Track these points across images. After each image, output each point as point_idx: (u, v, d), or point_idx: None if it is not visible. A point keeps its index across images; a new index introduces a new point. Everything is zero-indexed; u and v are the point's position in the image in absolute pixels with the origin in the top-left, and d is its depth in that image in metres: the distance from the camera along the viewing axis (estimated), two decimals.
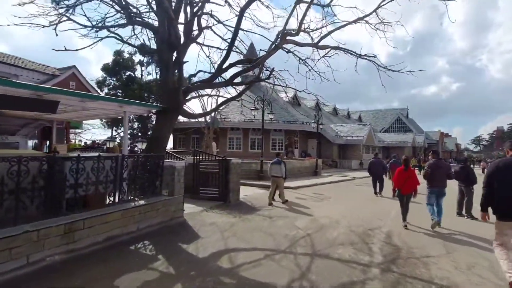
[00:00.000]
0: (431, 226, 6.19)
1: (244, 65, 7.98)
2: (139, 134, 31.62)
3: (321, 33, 7.74)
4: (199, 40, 8.85)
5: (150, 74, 31.65)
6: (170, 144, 39.21)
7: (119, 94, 28.76)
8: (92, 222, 4.52)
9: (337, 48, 7.69)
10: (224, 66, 7.88)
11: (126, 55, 28.45)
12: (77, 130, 24.42)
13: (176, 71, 7.35)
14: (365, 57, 7.76)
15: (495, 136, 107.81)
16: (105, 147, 16.87)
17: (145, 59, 30.62)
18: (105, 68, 28.30)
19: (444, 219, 6.46)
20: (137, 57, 30.09)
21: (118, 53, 28.17)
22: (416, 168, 19.85)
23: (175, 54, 7.69)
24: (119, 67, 28.88)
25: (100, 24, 8.23)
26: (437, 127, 72.99)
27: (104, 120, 29.63)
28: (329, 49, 7.89)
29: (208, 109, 15.27)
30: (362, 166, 29.09)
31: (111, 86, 29.25)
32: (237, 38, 8.73)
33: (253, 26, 16.12)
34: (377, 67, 7.74)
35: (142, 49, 29.41)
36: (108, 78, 28.92)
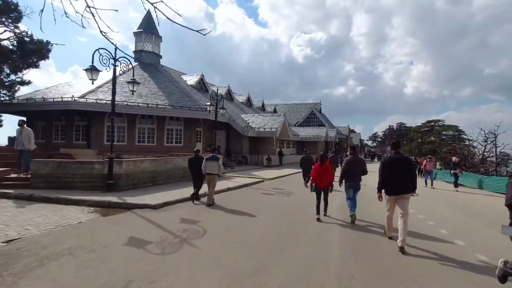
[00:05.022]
0: (350, 222, 6.56)
1: None
2: None
3: None
4: None
5: None
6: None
7: None
8: None
9: None
10: None
11: None
12: None
13: None
14: None
15: (387, 134, 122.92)
16: None
17: None
18: None
19: None
20: None
21: None
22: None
23: None
24: None
25: None
26: (344, 124, 77.37)
27: None
28: None
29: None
30: (270, 162, 25.25)
31: None
32: None
33: None
34: None
35: None
36: None
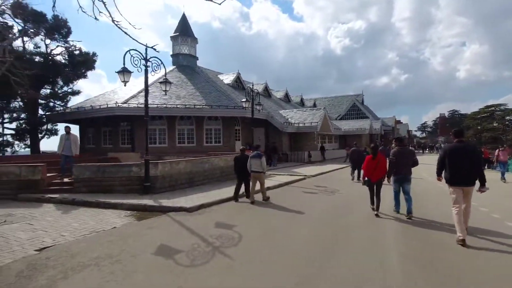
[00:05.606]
0: (393, 210, 6.67)
1: None
2: (27, 128, 23.56)
3: None
4: None
5: (39, 47, 23.49)
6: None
7: None
8: None
9: None
10: None
11: None
12: None
13: None
14: None
15: (438, 123, 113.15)
16: None
17: (29, 25, 22.55)
18: None
19: None
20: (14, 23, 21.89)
21: None
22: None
23: None
24: None
25: None
26: (389, 115, 72.15)
27: None
28: None
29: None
30: (311, 158, 24.03)
31: None
32: None
33: None
34: None
35: (17, 8, 21.33)
36: None
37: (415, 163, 6.47)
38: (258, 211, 7.11)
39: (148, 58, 8.69)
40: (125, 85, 8.30)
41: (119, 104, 19.97)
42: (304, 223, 5.94)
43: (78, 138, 9.72)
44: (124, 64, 8.15)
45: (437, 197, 8.62)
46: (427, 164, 16.62)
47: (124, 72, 8.06)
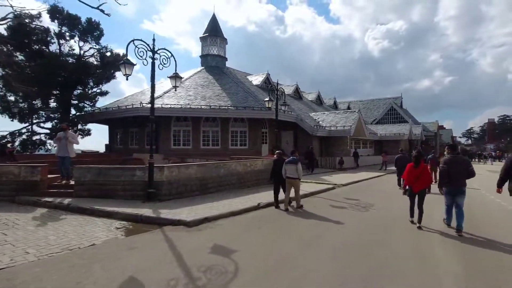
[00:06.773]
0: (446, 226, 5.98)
1: None
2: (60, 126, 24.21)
3: None
4: None
5: (73, 49, 24.12)
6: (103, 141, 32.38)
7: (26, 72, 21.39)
8: None
9: None
10: None
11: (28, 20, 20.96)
12: None
13: None
14: None
15: (486, 129, 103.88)
16: None
17: (64, 29, 23.22)
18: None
19: None
20: (51, 25, 22.68)
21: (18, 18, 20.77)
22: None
23: None
24: (26, 37, 21.44)
25: None
26: (431, 120, 65.93)
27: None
28: None
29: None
30: (343, 165, 21.83)
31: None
32: None
33: None
34: None
35: (54, 12, 21.97)
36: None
37: (471, 173, 5.72)
38: (269, 231, 5.82)
39: (155, 49, 7.80)
40: (127, 79, 7.39)
41: (144, 104, 19.65)
42: (326, 253, 4.55)
43: (76, 136, 8.98)
44: (126, 55, 7.31)
45: (499, 214, 6.81)
46: (477, 173, 14.29)
47: (126, 64, 7.21)
